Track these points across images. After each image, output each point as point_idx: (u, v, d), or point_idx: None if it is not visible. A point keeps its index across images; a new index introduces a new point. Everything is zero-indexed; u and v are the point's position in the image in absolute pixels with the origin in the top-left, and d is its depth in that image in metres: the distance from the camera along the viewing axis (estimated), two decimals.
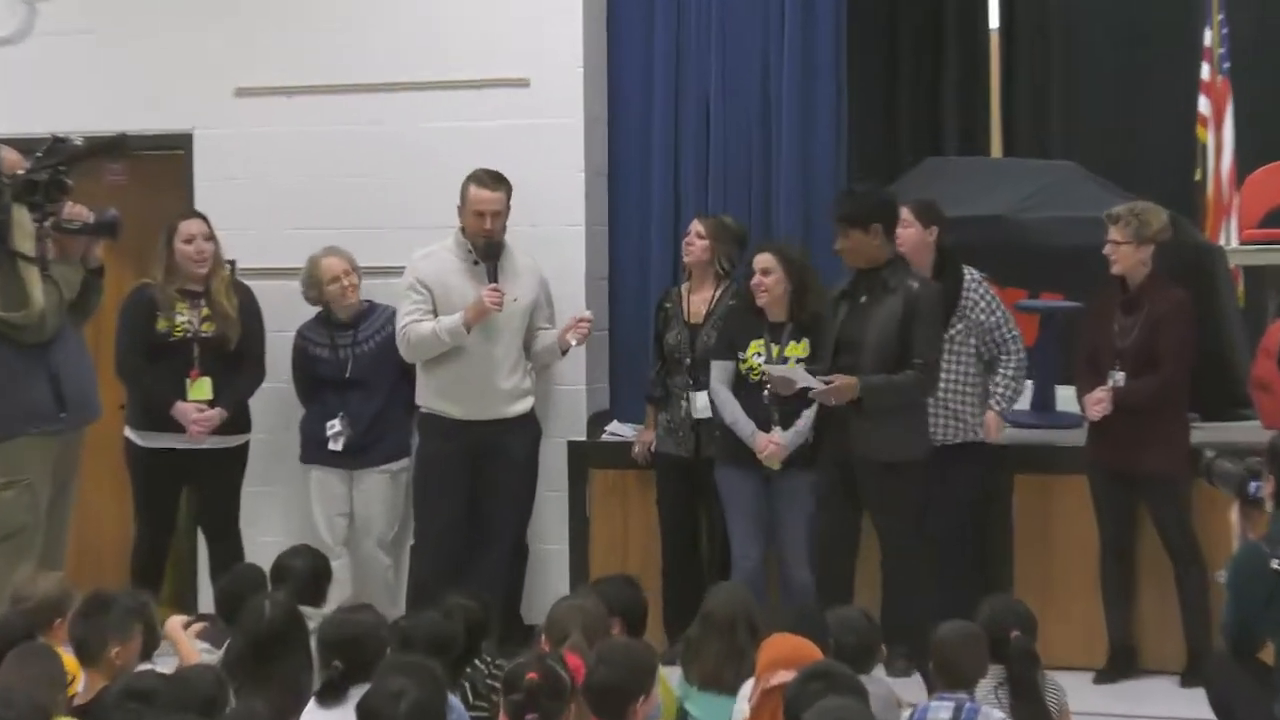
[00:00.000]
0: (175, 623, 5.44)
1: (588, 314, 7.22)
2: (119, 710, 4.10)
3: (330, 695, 4.65)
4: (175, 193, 8.10)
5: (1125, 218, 6.87)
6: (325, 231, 7.76)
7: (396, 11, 7.91)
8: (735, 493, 7.03)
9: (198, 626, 5.58)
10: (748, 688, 4.88)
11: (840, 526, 6.72)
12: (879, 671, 5.51)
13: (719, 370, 7.04)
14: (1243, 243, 9.32)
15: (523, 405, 7.22)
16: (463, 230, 7.17)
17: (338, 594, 6.79)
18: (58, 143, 6.46)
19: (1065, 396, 7.91)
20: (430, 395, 7.21)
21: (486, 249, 7.06)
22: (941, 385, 6.87)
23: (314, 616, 5.38)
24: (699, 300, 7.32)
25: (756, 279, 6.96)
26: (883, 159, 12.82)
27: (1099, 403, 6.77)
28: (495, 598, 6.19)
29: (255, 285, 7.55)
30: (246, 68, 8.02)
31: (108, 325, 7.66)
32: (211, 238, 7.27)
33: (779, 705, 4.52)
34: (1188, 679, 6.71)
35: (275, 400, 7.73)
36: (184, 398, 7.17)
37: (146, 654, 5.12)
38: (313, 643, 4.94)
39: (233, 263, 7.64)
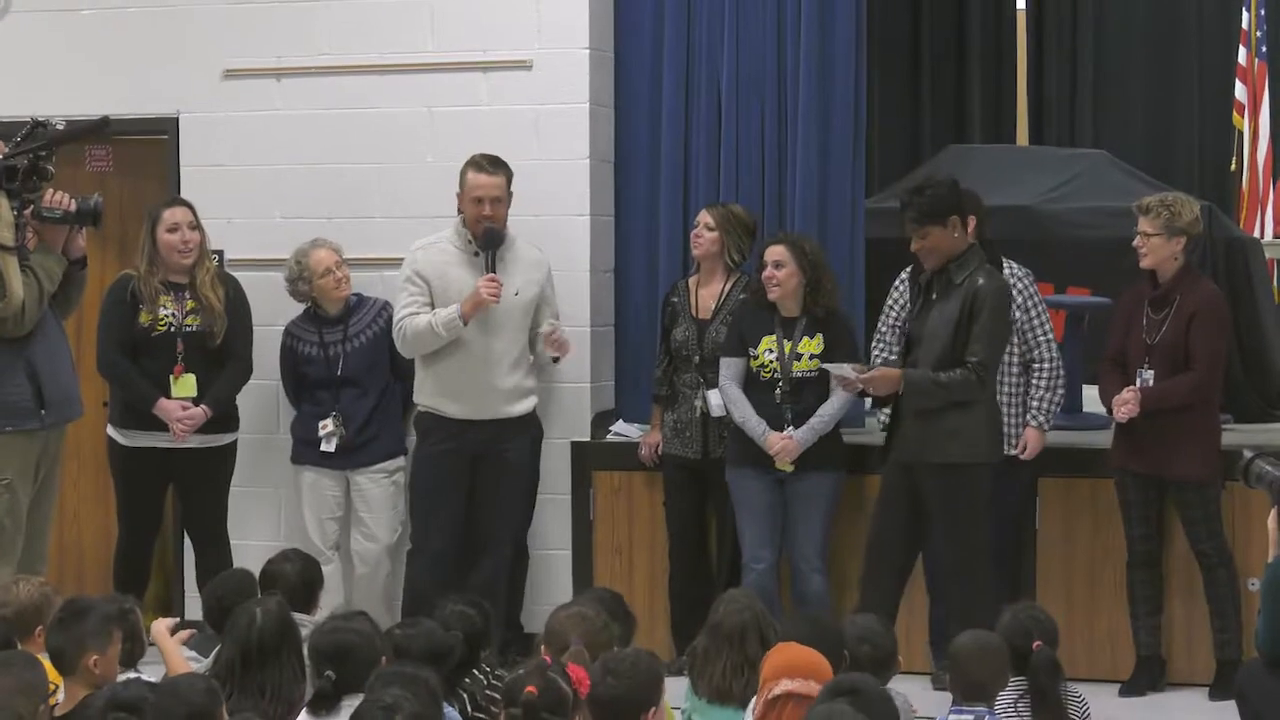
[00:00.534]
0: (161, 627, 5.46)
1: (549, 327, 7.21)
2: None
3: (322, 706, 4.68)
4: (160, 179, 8.13)
5: (1155, 208, 6.90)
6: (317, 221, 7.79)
7: None
8: (747, 495, 7.08)
9: (185, 633, 5.62)
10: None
11: (891, 533, 6.70)
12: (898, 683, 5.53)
13: (729, 367, 7.10)
14: (1278, 235, 9.35)
15: (524, 405, 7.24)
16: (463, 219, 7.21)
17: (328, 600, 6.83)
18: (37, 127, 6.50)
19: (1093, 396, 7.95)
20: (428, 393, 7.25)
21: (485, 237, 7.08)
22: None
23: (305, 623, 5.42)
24: (708, 294, 7.37)
25: (768, 272, 7.00)
26: (904, 147, 12.91)
27: (1126, 404, 6.81)
28: (495, 605, 6.22)
29: (243, 277, 7.57)
30: (235, 48, 8.03)
31: (90, 319, 7.71)
32: (197, 226, 7.29)
33: (782, 716, 4.55)
34: (1217, 692, 6.75)
35: (264, 398, 7.77)
36: (168, 395, 7.20)
37: (131, 661, 5.17)
38: (304, 651, 4.98)
39: (219, 253, 7.68)
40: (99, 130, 7.12)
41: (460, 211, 7.23)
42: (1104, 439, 7.15)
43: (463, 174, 7.16)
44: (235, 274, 7.59)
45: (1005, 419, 6.98)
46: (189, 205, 7.36)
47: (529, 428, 7.32)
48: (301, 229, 7.72)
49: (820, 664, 4.71)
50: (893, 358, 7.08)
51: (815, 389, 7.02)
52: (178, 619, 5.53)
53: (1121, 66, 13.20)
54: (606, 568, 7.66)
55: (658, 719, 4.47)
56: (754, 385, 7.07)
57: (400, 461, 7.54)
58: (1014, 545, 7.16)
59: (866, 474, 7.29)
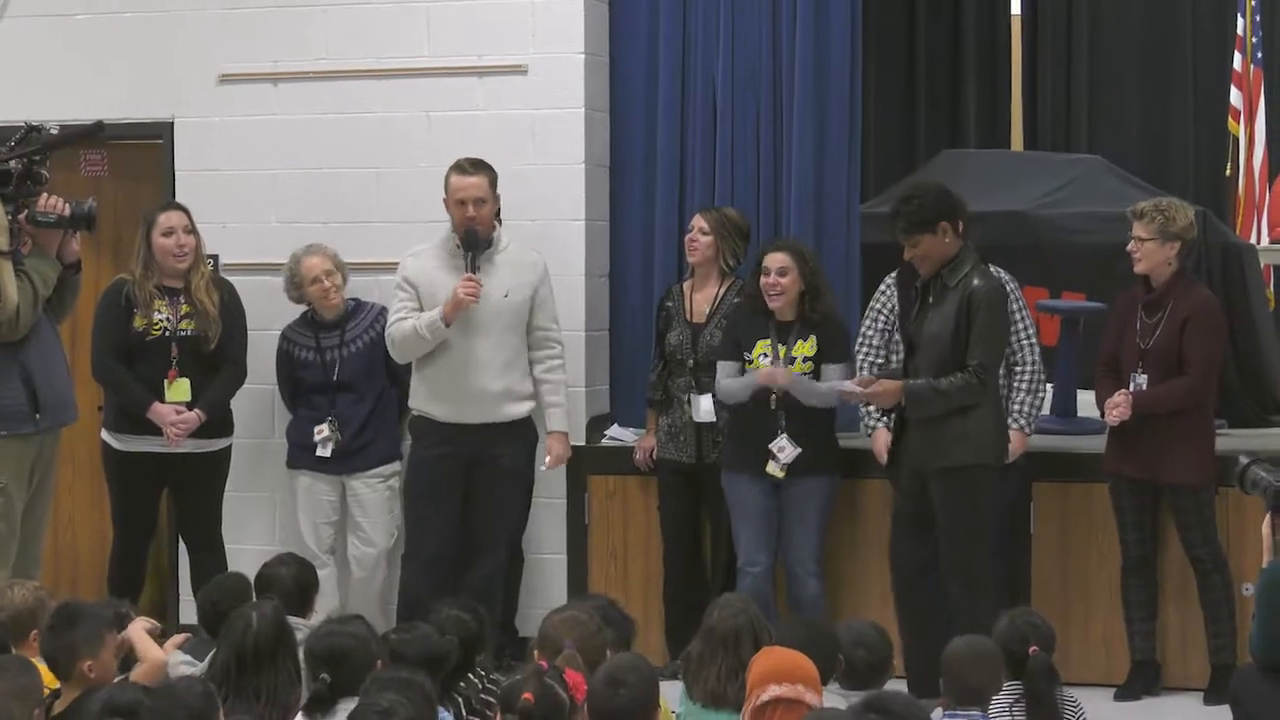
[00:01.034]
0: (136, 625, 5.43)
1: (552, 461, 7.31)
2: None
3: (317, 709, 4.68)
4: (154, 184, 8.14)
5: (1150, 213, 6.92)
6: (312, 225, 7.80)
7: None
8: (742, 499, 7.09)
9: (179, 638, 5.62)
10: None
11: (913, 547, 6.68)
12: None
13: (725, 370, 7.11)
14: (1274, 241, 9.37)
15: (518, 409, 7.22)
16: (452, 224, 7.21)
17: (324, 605, 6.83)
18: (32, 131, 6.52)
19: (1087, 401, 7.96)
20: (420, 397, 7.25)
21: (466, 237, 7.09)
22: None
23: (300, 628, 5.42)
24: (702, 299, 7.38)
25: (772, 279, 7.00)
26: (899, 153, 12.92)
27: (1118, 407, 6.82)
28: (490, 609, 6.23)
29: (238, 282, 7.58)
30: (230, 53, 8.04)
31: (85, 323, 7.72)
32: (192, 231, 7.29)
33: (777, 718, 4.54)
34: (1211, 696, 6.76)
35: (259, 402, 7.78)
36: (162, 399, 7.20)
37: (128, 665, 5.18)
38: (300, 654, 4.99)
39: (215, 258, 7.68)
40: (93, 135, 7.13)
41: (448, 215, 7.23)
42: (1098, 444, 7.16)
43: (446, 178, 7.16)
44: (230, 279, 7.60)
45: None
46: (184, 209, 7.36)
47: (524, 432, 7.30)
48: (297, 234, 7.73)
49: (807, 668, 4.68)
50: (880, 362, 7.11)
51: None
52: (159, 625, 5.49)
53: (1117, 71, 13.21)
54: (601, 572, 7.67)
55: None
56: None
57: (396, 466, 7.55)
58: (1006, 549, 7.16)
59: (862, 478, 7.30)
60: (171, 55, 8.09)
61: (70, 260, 6.67)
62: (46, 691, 4.81)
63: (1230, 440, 7.41)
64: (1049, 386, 7.54)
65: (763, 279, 7.03)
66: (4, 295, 6.29)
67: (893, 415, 6.87)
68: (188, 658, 5.48)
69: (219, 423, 7.38)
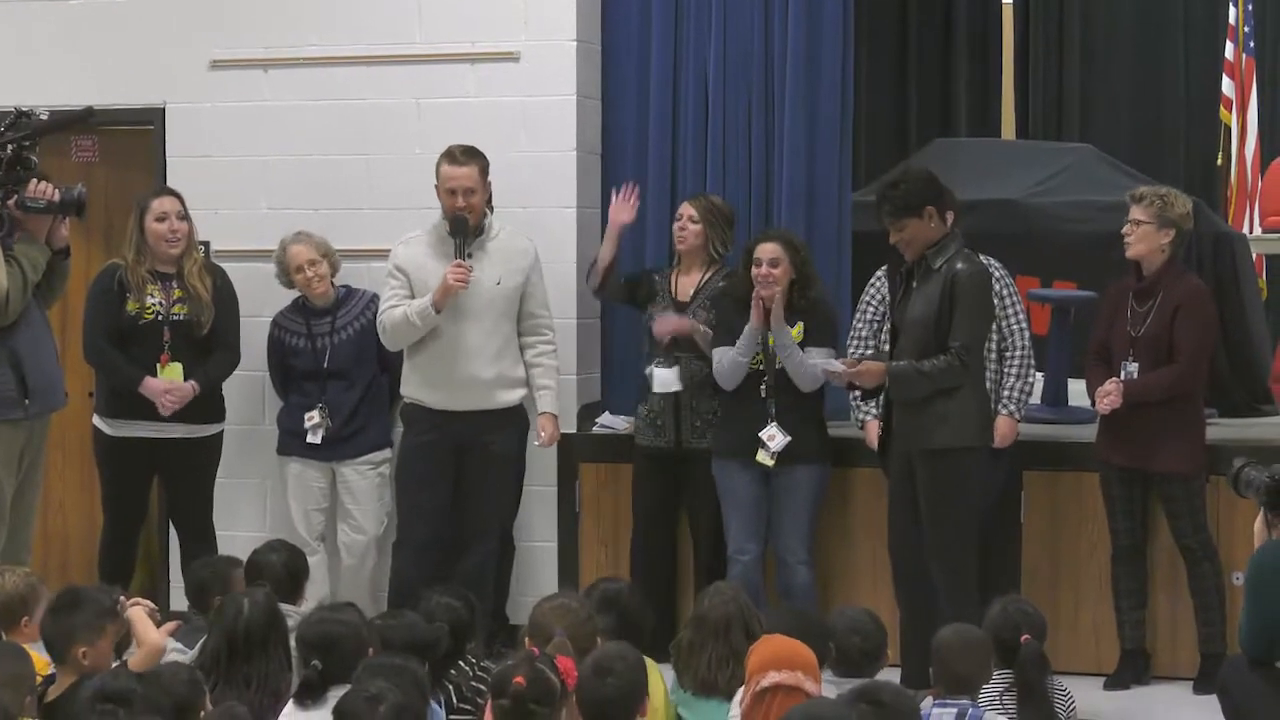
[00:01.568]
0: (137, 609, 5.43)
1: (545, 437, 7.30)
2: (92, 712, 4.14)
3: (309, 696, 4.70)
4: (146, 170, 8.13)
5: (1149, 197, 6.94)
6: (304, 212, 7.80)
7: None
8: (732, 487, 7.11)
9: (170, 625, 5.62)
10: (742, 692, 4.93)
11: (909, 533, 6.66)
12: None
13: (719, 356, 7.12)
14: (1266, 230, 9.38)
15: (510, 396, 7.22)
16: (443, 212, 7.21)
17: (314, 592, 6.85)
18: (21, 116, 6.51)
19: (1077, 390, 7.97)
20: (411, 384, 7.25)
21: (454, 224, 7.09)
22: None
23: (291, 615, 5.43)
24: (687, 282, 7.38)
25: (764, 270, 7.01)
26: (891, 141, 12.93)
27: (1108, 395, 6.84)
28: (481, 597, 6.23)
29: (229, 268, 7.57)
30: (222, 39, 8.04)
31: (75, 309, 7.71)
32: (185, 216, 7.29)
33: (771, 708, 4.57)
34: (1201, 685, 6.78)
35: (250, 389, 7.78)
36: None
37: (118, 652, 5.18)
38: (291, 641, 4.99)
39: (206, 244, 7.68)
40: (83, 121, 7.13)
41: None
42: (1089, 432, 7.17)
43: (437, 166, 7.15)
44: (221, 265, 7.59)
45: None
46: (178, 195, 7.37)
47: (515, 419, 7.29)
48: (288, 220, 7.73)
49: (807, 656, 4.72)
50: (868, 353, 7.11)
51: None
52: (154, 606, 5.49)
53: (1109, 61, 13.22)
54: (592, 560, 7.68)
55: (646, 706, 4.49)
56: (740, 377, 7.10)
57: (387, 453, 7.55)
58: (996, 535, 7.17)
59: (852, 466, 7.31)
60: (163, 41, 8.08)
61: (59, 246, 6.67)
62: (39, 680, 4.82)
63: (1221, 430, 7.43)
64: (1040, 375, 7.55)
65: (754, 269, 7.04)
66: None
67: (880, 402, 6.88)
68: (179, 645, 5.48)
69: (210, 408, 7.38)
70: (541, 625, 5.17)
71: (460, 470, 7.18)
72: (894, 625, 6.62)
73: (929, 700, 4.98)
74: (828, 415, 7.29)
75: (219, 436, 7.47)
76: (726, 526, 7.14)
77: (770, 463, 7.00)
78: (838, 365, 6.76)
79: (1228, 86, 11.38)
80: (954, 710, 4.83)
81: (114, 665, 4.96)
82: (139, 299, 7.22)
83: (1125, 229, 6.94)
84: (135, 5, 8.14)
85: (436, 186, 7.17)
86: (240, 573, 5.88)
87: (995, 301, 6.96)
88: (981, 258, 6.98)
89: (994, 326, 7.01)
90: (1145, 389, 6.82)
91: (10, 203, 6.43)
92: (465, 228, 7.05)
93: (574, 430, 7.73)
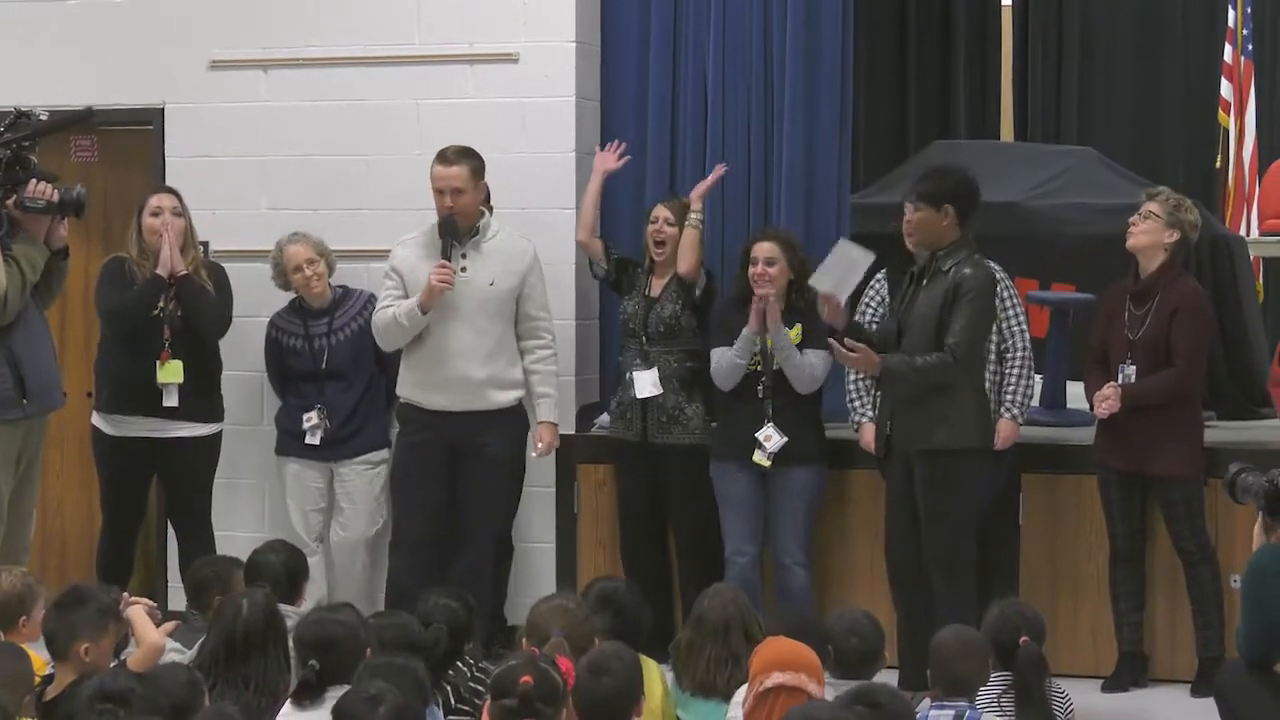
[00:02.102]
0: (137, 607, 5.43)
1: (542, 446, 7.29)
2: (91, 712, 4.14)
3: (306, 696, 4.68)
4: (145, 170, 8.13)
5: (1166, 194, 6.99)
6: (302, 212, 7.80)
7: None
8: (730, 488, 7.12)
9: (169, 625, 5.62)
10: (741, 694, 4.93)
11: (906, 535, 6.63)
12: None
13: (717, 357, 7.13)
14: (1264, 233, 9.38)
15: (505, 397, 7.20)
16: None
17: (314, 592, 6.85)
18: (21, 117, 6.51)
19: (1076, 393, 7.97)
20: (406, 384, 7.25)
21: (442, 224, 7.09)
22: None
23: (290, 615, 5.43)
24: (660, 282, 7.40)
25: (760, 269, 7.02)
26: (889, 143, 12.94)
27: (1106, 399, 6.83)
28: (478, 598, 6.22)
29: (229, 268, 7.56)
30: (221, 39, 8.04)
31: (73, 309, 7.72)
32: (181, 213, 7.30)
33: (774, 708, 4.57)
34: (1199, 689, 6.78)
35: (248, 389, 7.78)
36: (154, 379, 7.18)
37: (116, 652, 5.18)
38: (290, 642, 4.99)
39: (205, 244, 7.68)
40: (83, 120, 7.14)
41: None
42: (1087, 435, 7.18)
43: (431, 167, 7.16)
44: (220, 264, 7.59)
45: None
46: (175, 193, 7.38)
47: (512, 420, 7.26)
48: (287, 220, 7.73)
49: (809, 657, 4.73)
50: (875, 324, 7.10)
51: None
52: (154, 605, 5.49)
53: (1107, 63, 13.23)
54: (590, 561, 7.68)
55: (642, 706, 4.49)
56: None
57: (385, 454, 7.55)
58: (994, 538, 7.17)
59: (850, 468, 7.31)
60: (162, 41, 8.09)
61: (58, 246, 6.68)
62: (38, 679, 4.82)
63: (1219, 433, 7.43)
64: (1038, 378, 7.55)
65: (751, 268, 7.04)
66: None
67: (877, 403, 6.88)
68: (177, 645, 5.48)
69: (209, 409, 7.38)
70: (539, 626, 5.17)
71: (455, 471, 7.18)
72: (891, 627, 6.62)
73: (926, 702, 4.98)
74: (825, 417, 7.29)
75: (218, 436, 7.47)
76: (724, 527, 7.15)
77: (766, 463, 7.01)
78: (841, 349, 6.65)
79: (1226, 89, 11.39)
80: (951, 712, 4.82)
81: (112, 665, 4.96)
82: None
83: (1133, 220, 6.94)
84: (134, 5, 8.14)
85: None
86: (240, 573, 5.88)
87: (995, 303, 6.96)
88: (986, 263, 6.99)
89: (994, 328, 7.00)
90: (1143, 393, 6.82)
91: (9, 203, 6.43)
92: (453, 229, 7.06)
93: (573, 431, 7.72)
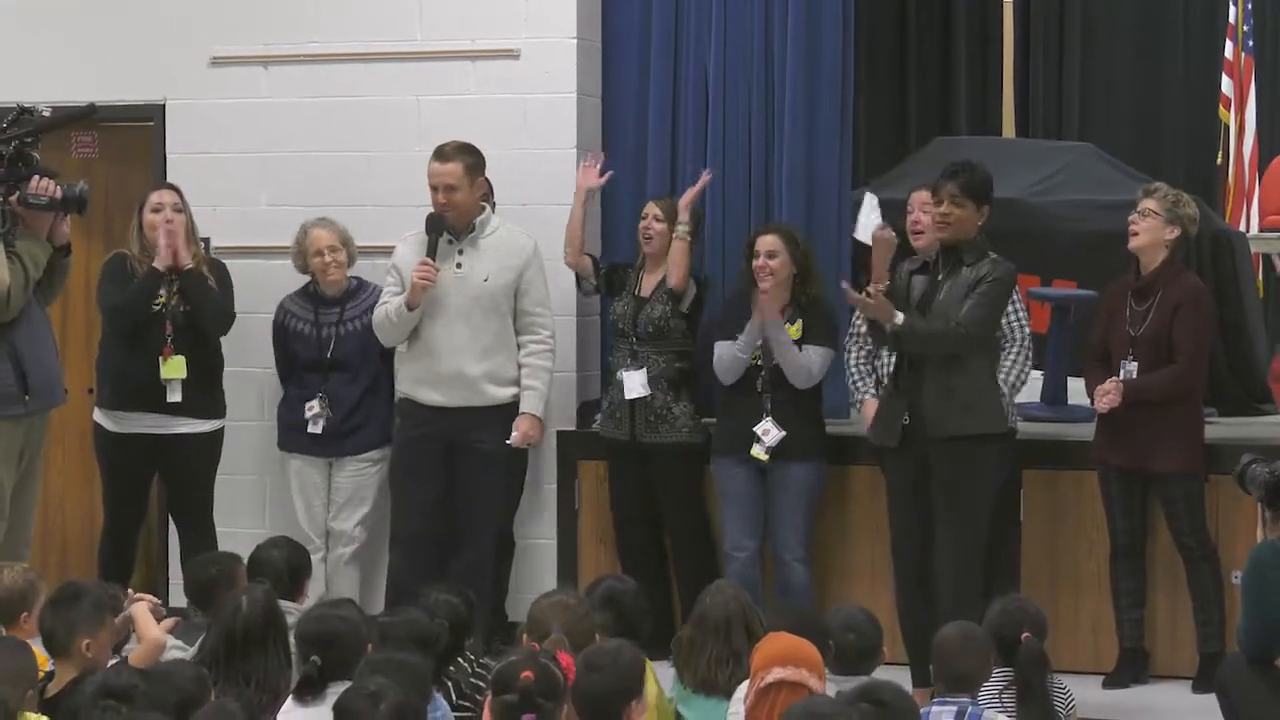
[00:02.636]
0: (140, 605, 5.43)
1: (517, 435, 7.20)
2: (95, 708, 4.13)
3: (308, 692, 4.68)
4: (146, 166, 8.14)
5: (1163, 190, 6.97)
6: (303, 209, 7.79)
7: None
8: (730, 484, 7.13)
9: (169, 622, 5.62)
10: (742, 690, 4.92)
11: (912, 534, 6.62)
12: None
13: (720, 350, 7.14)
14: (1264, 229, 9.38)
15: (503, 393, 7.19)
16: None
17: (316, 588, 6.85)
18: (24, 113, 6.51)
19: (1077, 389, 7.97)
20: (404, 379, 7.27)
21: (429, 220, 7.10)
22: None
23: (291, 611, 5.42)
24: (651, 280, 7.40)
25: (761, 262, 7.03)
26: (890, 139, 12.94)
27: (1107, 394, 6.83)
28: (478, 594, 6.22)
29: (230, 264, 7.56)
30: (222, 35, 8.04)
31: (75, 305, 7.72)
32: (182, 209, 7.29)
33: (775, 704, 4.57)
34: (1200, 685, 6.77)
35: (250, 385, 7.78)
36: (157, 376, 7.17)
37: (116, 648, 5.18)
38: (291, 639, 4.99)
39: (206, 240, 7.67)
40: (86, 117, 7.13)
41: None
42: (1088, 431, 7.16)
43: (428, 163, 7.16)
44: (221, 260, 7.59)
45: None
46: (176, 189, 7.38)
47: (509, 416, 7.23)
48: (288, 217, 7.73)
49: (811, 653, 4.72)
50: (867, 349, 7.11)
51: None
52: (158, 601, 5.49)
53: (1108, 59, 13.23)
54: (592, 557, 7.68)
55: (640, 709, 4.48)
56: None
57: (387, 451, 7.54)
58: (995, 534, 7.14)
59: (851, 464, 7.30)
60: (163, 38, 8.09)
61: (60, 243, 6.68)
62: (41, 674, 4.82)
63: (1220, 429, 7.42)
64: (1039, 374, 7.54)
65: (754, 261, 7.05)
66: None
67: (881, 378, 6.86)
68: (178, 642, 5.47)
69: (211, 405, 7.37)
70: (539, 622, 5.17)
71: (453, 467, 7.18)
72: (892, 624, 6.62)
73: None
74: (826, 414, 7.29)
75: (220, 433, 7.46)
76: (724, 523, 7.16)
77: (764, 457, 7.01)
78: (859, 297, 6.64)
79: (1227, 85, 11.40)
80: (954, 709, 4.82)
81: (113, 662, 4.95)
82: None
83: (1132, 219, 6.93)
84: (136, 2, 8.15)
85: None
86: (242, 569, 5.88)
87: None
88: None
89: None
90: (1144, 388, 6.82)
91: (12, 199, 6.42)
92: (438, 225, 7.05)
93: (573, 427, 7.73)
